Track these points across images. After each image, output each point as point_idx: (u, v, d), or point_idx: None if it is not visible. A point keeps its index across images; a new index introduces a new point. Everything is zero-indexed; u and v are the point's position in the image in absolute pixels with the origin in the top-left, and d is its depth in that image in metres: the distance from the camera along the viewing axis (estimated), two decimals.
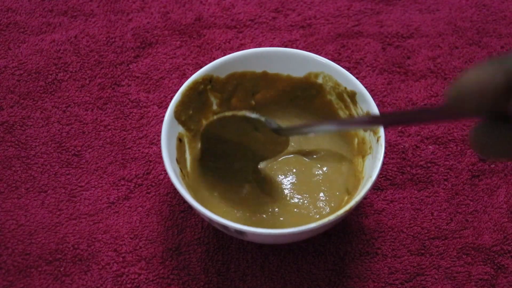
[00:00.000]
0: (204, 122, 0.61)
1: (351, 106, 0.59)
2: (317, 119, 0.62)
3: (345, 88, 0.59)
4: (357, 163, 0.59)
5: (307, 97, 0.62)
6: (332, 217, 0.51)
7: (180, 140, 0.58)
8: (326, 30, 0.73)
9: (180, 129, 0.58)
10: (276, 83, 0.61)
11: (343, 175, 0.60)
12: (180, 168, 0.57)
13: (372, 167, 0.54)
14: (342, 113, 0.60)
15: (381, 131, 0.55)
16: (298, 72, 0.61)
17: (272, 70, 0.61)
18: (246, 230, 0.51)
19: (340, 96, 0.60)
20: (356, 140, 0.60)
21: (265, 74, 0.61)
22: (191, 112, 0.59)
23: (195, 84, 0.59)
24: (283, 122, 0.62)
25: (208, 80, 0.59)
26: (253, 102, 0.63)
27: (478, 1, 0.75)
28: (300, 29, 0.73)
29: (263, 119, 0.54)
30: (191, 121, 0.60)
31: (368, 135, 0.57)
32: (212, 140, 0.58)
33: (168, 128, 0.56)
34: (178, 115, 0.58)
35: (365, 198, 0.59)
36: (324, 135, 0.62)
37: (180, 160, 0.57)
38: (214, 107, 0.61)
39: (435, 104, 0.66)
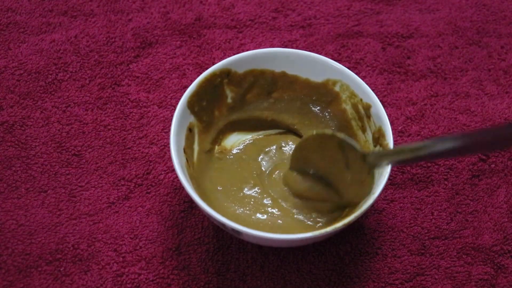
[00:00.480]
0: (217, 114, 0.61)
1: (365, 118, 0.58)
2: (329, 126, 0.62)
3: (361, 99, 0.58)
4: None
5: (323, 103, 0.61)
6: (329, 229, 0.51)
7: (190, 130, 0.58)
8: (326, 30, 0.73)
9: (192, 119, 0.58)
10: (294, 84, 0.61)
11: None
12: (186, 159, 0.57)
13: (377, 183, 0.54)
14: (355, 124, 0.60)
15: (390, 148, 0.54)
16: (317, 77, 0.60)
17: (291, 71, 0.61)
18: (243, 230, 0.51)
19: (355, 107, 0.59)
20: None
21: (284, 75, 0.61)
22: (204, 103, 0.59)
23: (212, 76, 0.59)
24: (296, 125, 0.63)
25: (225, 73, 0.59)
26: (272, 100, 0.62)
27: (478, 1, 0.75)
28: (300, 29, 0.73)
29: (357, 146, 0.53)
30: (203, 112, 0.59)
31: (377, 150, 0.57)
32: (301, 160, 0.58)
33: (180, 117, 0.56)
34: (191, 105, 0.58)
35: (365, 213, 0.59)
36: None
37: (187, 151, 0.57)
38: (229, 100, 0.61)
39: None
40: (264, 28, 0.73)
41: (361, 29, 0.73)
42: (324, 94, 0.61)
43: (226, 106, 0.61)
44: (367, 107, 0.58)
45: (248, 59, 0.60)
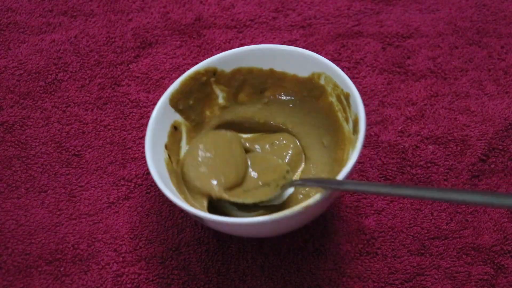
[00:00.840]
0: (208, 114, 0.61)
1: (347, 108, 0.58)
2: (321, 120, 0.62)
3: (342, 89, 0.58)
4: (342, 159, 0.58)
5: (313, 98, 0.61)
6: (287, 211, 0.49)
7: (175, 128, 0.58)
8: (326, 30, 0.73)
9: (177, 117, 0.58)
10: (283, 81, 0.61)
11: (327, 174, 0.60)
12: (169, 155, 0.57)
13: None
14: (341, 115, 0.60)
15: (362, 130, 0.54)
16: (303, 72, 0.60)
17: (278, 68, 0.61)
18: (203, 216, 0.51)
19: (338, 98, 0.59)
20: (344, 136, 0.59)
21: (272, 72, 0.61)
22: (191, 102, 0.59)
23: (197, 74, 0.59)
24: (288, 124, 0.63)
25: (211, 72, 0.59)
26: (265, 100, 0.62)
27: (478, 1, 0.75)
28: (300, 29, 0.73)
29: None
30: (191, 111, 0.60)
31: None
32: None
33: (160, 114, 0.56)
34: (174, 103, 0.58)
35: (348, 194, 0.58)
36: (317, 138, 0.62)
37: (171, 147, 0.57)
38: (221, 100, 0.61)
39: None
40: (264, 28, 0.73)
41: (361, 29, 0.73)
42: (312, 89, 0.61)
43: (217, 105, 0.61)
44: (347, 96, 0.57)
45: (233, 57, 0.60)
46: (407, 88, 0.69)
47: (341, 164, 0.59)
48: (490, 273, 0.58)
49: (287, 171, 0.58)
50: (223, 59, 0.59)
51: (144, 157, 0.63)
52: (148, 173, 0.62)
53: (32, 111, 0.66)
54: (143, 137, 0.65)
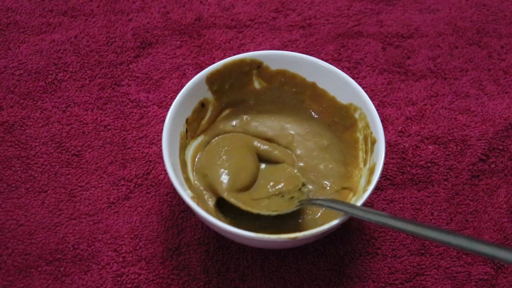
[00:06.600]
0: (241, 98, 0.61)
1: (369, 152, 0.57)
2: (342, 151, 0.60)
3: (371, 133, 0.56)
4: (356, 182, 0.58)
5: (341, 126, 0.60)
6: (300, 234, 0.50)
7: (202, 104, 0.59)
8: (326, 30, 0.73)
9: (209, 95, 0.59)
10: (321, 99, 0.61)
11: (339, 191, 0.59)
12: (187, 129, 0.57)
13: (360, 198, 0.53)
14: (361, 155, 0.58)
15: (380, 164, 0.54)
16: (342, 98, 0.59)
17: (321, 84, 0.60)
18: (210, 220, 0.51)
19: (365, 139, 0.58)
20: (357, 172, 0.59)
21: (313, 86, 0.60)
22: (227, 86, 0.60)
23: (242, 62, 0.59)
24: (313, 144, 0.62)
25: (256, 64, 0.60)
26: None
27: (478, 1, 0.75)
28: (300, 29, 0.73)
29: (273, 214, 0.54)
30: (224, 95, 0.60)
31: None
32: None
33: (193, 87, 0.57)
34: (210, 82, 0.58)
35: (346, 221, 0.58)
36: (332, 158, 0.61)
37: (191, 122, 0.58)
38: (257, 86, 0.61)
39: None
40: (264, 28, 0.73)
41: (361, 29, 0.73)
42: (345, 117, 0.59)
43: (252, 92, 0.62)
44: (373, 142, 0.56)
45: (281, 57, 0.60)
46: (407, 88, 0.69)
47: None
48: (490, 273, 0.58)
49: (303, 184, 0.57)
50: (271, 56, 0.60)
51: (144, 157, 0.63)
52: (148, 173, 0.62)
53: (32, 111, 0.66)
54: (143, 137, 0.65)
